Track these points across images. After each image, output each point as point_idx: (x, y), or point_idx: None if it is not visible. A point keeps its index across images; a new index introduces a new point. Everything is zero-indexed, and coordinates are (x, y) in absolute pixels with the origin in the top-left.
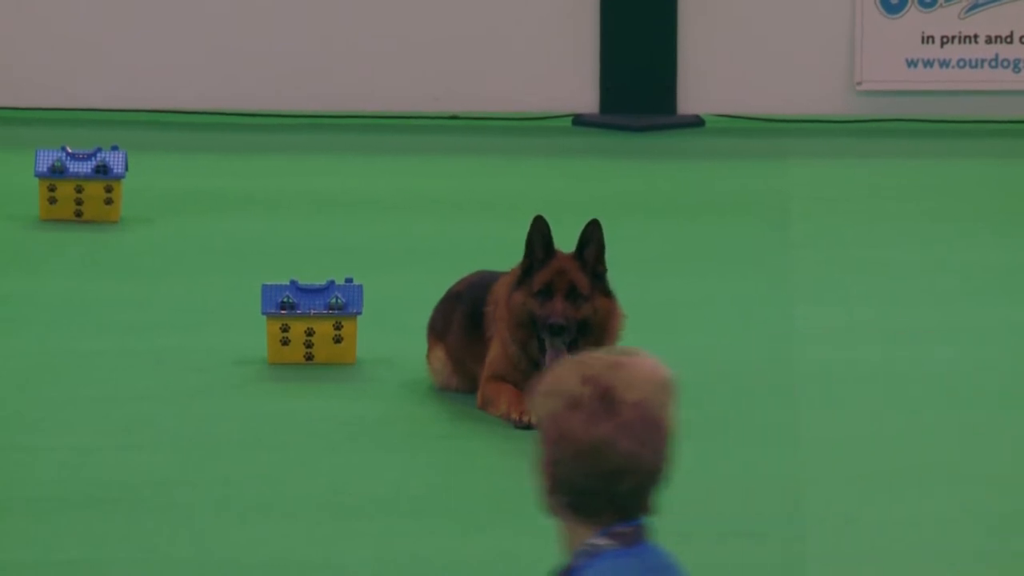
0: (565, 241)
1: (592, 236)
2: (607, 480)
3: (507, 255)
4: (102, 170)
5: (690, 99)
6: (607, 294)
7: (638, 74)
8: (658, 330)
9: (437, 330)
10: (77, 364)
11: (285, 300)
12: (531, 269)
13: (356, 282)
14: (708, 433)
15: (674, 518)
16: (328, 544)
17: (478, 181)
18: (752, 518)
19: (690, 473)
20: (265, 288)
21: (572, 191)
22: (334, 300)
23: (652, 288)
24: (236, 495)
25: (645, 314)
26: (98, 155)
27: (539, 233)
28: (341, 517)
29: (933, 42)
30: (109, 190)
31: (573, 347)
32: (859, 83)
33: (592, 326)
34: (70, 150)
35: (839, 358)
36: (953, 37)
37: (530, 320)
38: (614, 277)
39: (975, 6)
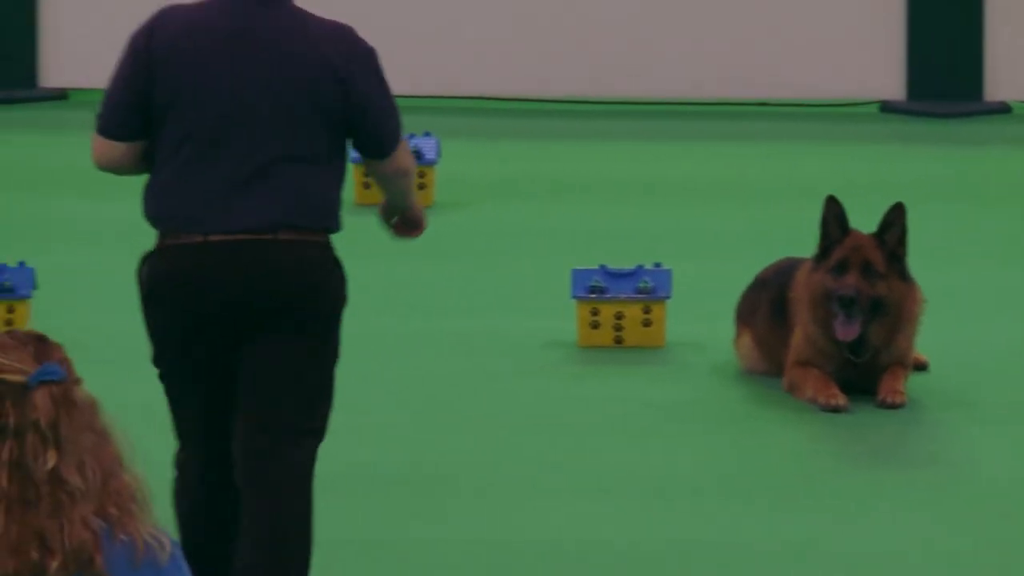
0: (869, 225)
1: (895, 219)
2: None
3: (813, 240)
4: (415, 156)
5: (997, 86)
6: (905, 277)
7: (945, 61)
8: (961, 317)
9: (744, 315)
10: (388, 344)
11: (595, 284)
12: (828, 249)
13: (664, 267)
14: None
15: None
16: (634, 524)
17: (786, 167)
18: None
19: (1004, 461)
20: (575, 272)
21: (877, 176)
22: (643, 284)
23: (956, 274)
24: (544, 476)
25: (948, 300)
26: (411, 141)
27: (832, 213)
28: (648, 497)
29: None
30: (422, 175)
31: (867, 324)
32: None
33: (887, 306)
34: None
35: None
36: None
37: (825, 297)
38: (916, 262)
39: None
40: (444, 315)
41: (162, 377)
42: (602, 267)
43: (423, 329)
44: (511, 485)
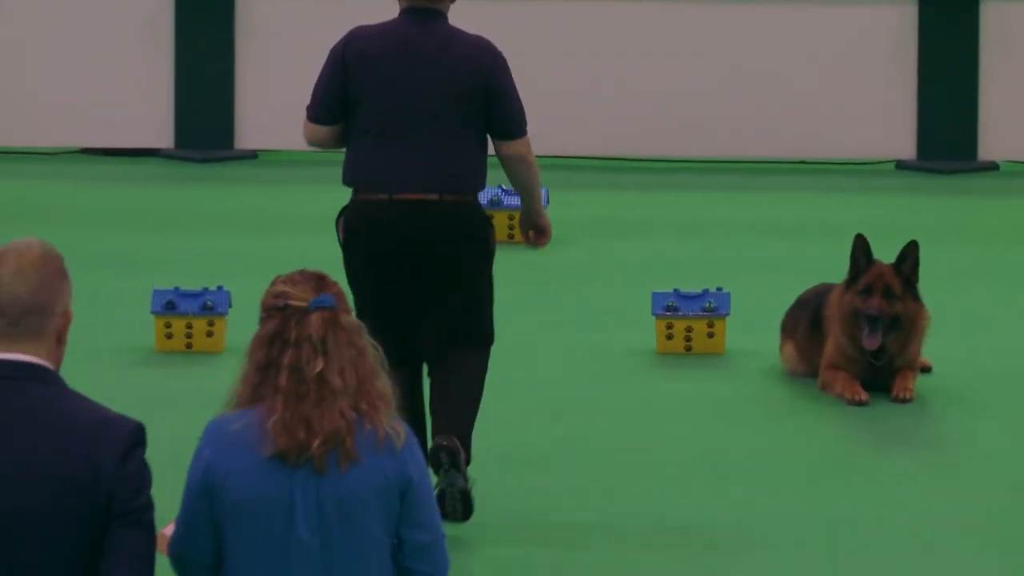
0: (886, 258)
1: (910, 253)
2: None
3: (840, 271)
4: None
5: (988, 148)
6: (916, 298)
7: (947, 128)
8: (958, 330)
9: (788, 328)
10: (511, 353)
11: (670, 304)
12: (856, 275)
13: (725, 290)
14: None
15: None
16: (696, 494)
17: (819, 212)
18: None
19: (993, 444)
20: (654, 295)
21: (893, 220)
22: (708, 304)
23: (955, 297)
24: (630, 455)
25: (949, 317)
26: None
27: (860, 247)
28: (709, 472)
29: None
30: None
31: (886, 336)
32: None
33: (902, 321)
34: (504, 187)
35: None
36: None
37: (854, 314)
38: (924, 286)
39: None
40: (551, 329)
41: (356, 297)
42: (675, 290)
43: (534, 341)
44: (606, 462)
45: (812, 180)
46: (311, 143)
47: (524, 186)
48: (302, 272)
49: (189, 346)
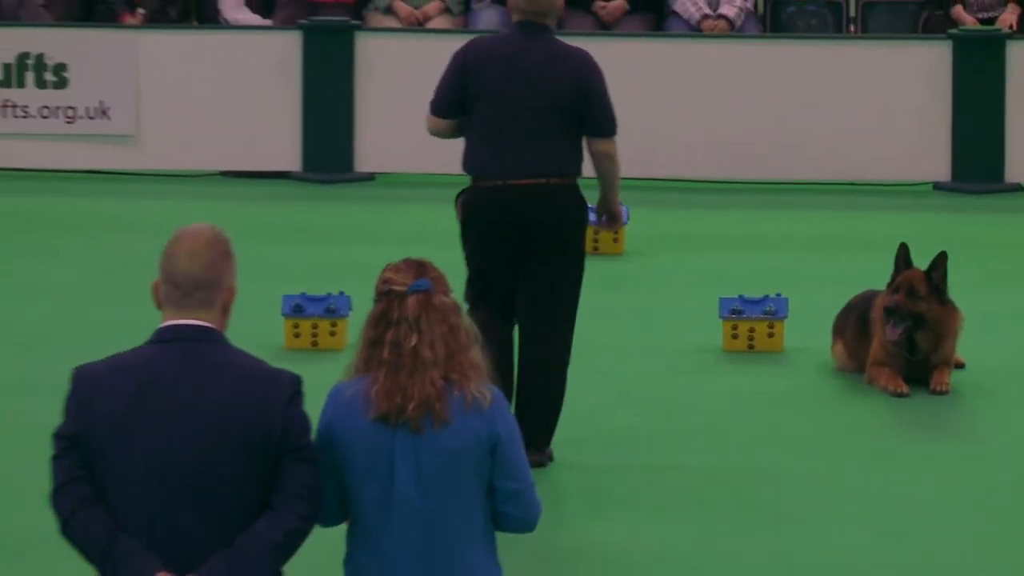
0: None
1: (940, 263)
2: None
3: (883, 279)
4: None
5: (1016, 170)
6: (944, 302)
7: (979, 151)
8: (988, 330)
9: (838, 330)
10: (590, 351)
11: (735, 308)
12: (895, 278)
13: (784, 296)
14: None
15: None
16: (759, 472)
17: (866, 228)
18: None
19: (1017, 432)
20: (721, 300)
21: (930, 234)
22: (768, 308)
23: (987, 301)
24: (697, 440)
25: (980, 319)
26: None
27: (901, 255)
28: (770, 454)
29: None
30: (616, 232)
31: (911, 333)
32: None
33: (927, 322)
34: (590, 204)
35: None
36: None
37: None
38: (959, 291)
39: None
40: (631, 330)
41: (470, 265)
42: (740, 296)
43: (616, 340)
44: (680, 441)
45: (859, 200)
46: (432, 132)
47: (607, 178)
48: (406, 260)
49: (315, 344)
